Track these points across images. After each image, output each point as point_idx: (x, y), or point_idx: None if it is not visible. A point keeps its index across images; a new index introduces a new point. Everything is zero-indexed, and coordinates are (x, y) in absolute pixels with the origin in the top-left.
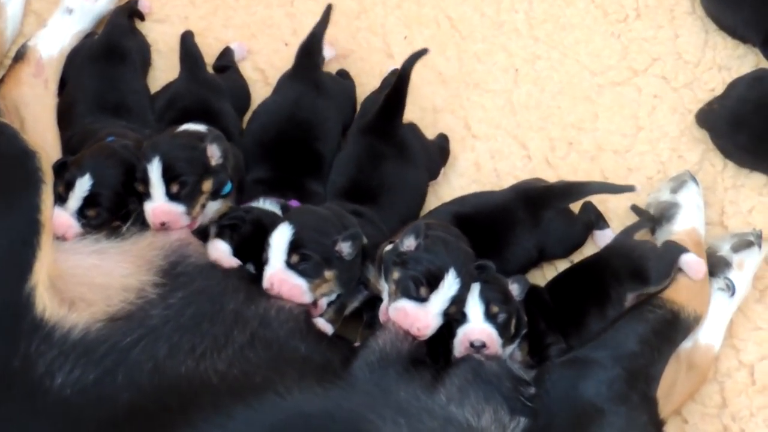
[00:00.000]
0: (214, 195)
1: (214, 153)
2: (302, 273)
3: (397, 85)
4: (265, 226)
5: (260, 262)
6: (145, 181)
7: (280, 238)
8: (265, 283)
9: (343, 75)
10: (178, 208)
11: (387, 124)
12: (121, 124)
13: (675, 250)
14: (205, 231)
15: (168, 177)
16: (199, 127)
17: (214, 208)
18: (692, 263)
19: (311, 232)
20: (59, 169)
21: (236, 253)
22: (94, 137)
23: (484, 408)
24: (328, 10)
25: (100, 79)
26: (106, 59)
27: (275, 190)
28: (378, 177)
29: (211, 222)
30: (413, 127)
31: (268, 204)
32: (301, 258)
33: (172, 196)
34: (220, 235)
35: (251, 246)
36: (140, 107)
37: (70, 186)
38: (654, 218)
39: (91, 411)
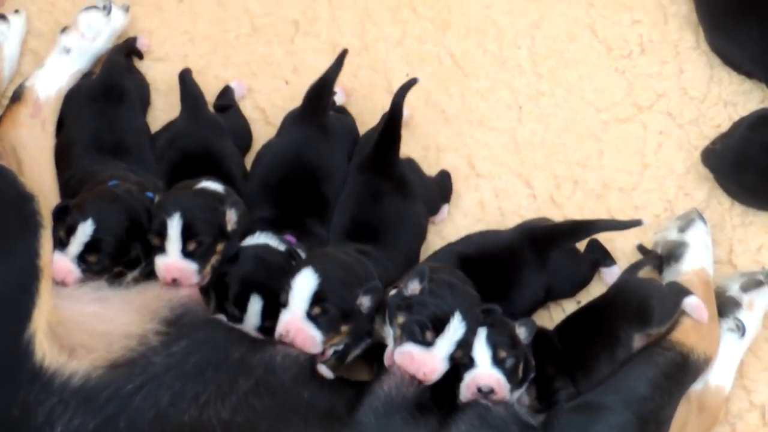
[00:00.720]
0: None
1: (231, 218)
2: (320, 326)
3: (390, 118)
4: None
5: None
6: (162, 235)
7: (305, 285)
8: (281, 328)
9: (341, 111)
10: (192, 266)
11: (384, 159)
12: (120, 166)
13: (680, 291)
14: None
15: (186, 235)
16: (218, 187)
17: None
18: (695, 306)
19: (336, 285)
20: (60, 213)
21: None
22: (94, 179)
23: None
24: (343, 54)
25: (98, 119)
26: (105, 99)
27: (277, 229)
28: (378, 214)
29: (209, 284)
30: (411, 162)
31: (263, 238)
32: (322, 311)
33: (187, 254)
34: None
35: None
36: (140, 147)
37: (71, 231)
38: (660, 257)
39: None
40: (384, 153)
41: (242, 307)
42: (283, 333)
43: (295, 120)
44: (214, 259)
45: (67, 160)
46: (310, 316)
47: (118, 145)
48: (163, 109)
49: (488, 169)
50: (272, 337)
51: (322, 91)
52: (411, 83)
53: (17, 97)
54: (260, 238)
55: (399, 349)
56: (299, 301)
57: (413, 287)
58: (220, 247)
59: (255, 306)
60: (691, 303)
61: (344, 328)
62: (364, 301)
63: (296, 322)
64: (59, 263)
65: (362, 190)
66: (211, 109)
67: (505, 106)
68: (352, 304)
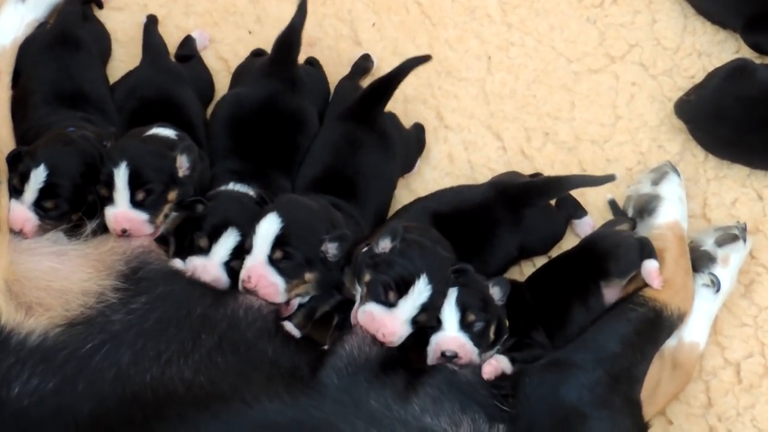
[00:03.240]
0: (177, 206)
1: (183, 164)
2: (282, 271)
3: (389, 77)
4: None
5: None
6: (110, 185)
7: (267, 229)
8: (244, 273)
9: (312, 63)
10: (142, 216)
11: (369, 111)
12: (79, 116)
13: (645, 249)
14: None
15: (134, 184)
16: (170, 133)
17: (173, 218)
18: (651, 271)
19: (300, 228)
20: (13, 160)
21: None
22: (51, 130)
23: (461, 418)
24: (304, 1)
25: (56, 69)
26: (61, 47)
27: (243, 181)
28: (355, 166)
29: (169, 232)
30: (393, 117)
31: (235, 187)
32: (284, 255)
33: (136, 204)
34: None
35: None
36: (99, 97)
37: (25, 177)
38: (631, 219)
39: (50, 423)
40: (369, 105)
41: (213, 240)
42: (245, 279)
43: (263, 71)
44: (166, 208)
45: (23, 111)
46: (273, 261)
47: (77, 95)
48: (123, 60)
49: (457, 121)
50: (234, 287)
51: (289, 42)
52: (424, 59)
53: None
54: (232, 188)
55: (362, 308)
56: (262, 245)
57: (384, 245)
58: (172, 195)
59: (229, 239)
60: (647, 266)
61: (308, 276)
62: (330, 249)
63: (258, 267)
64: (16, 212)
65: (340, 140)
66: (172, 59)
67: (474, 57)
68: (316, 250)
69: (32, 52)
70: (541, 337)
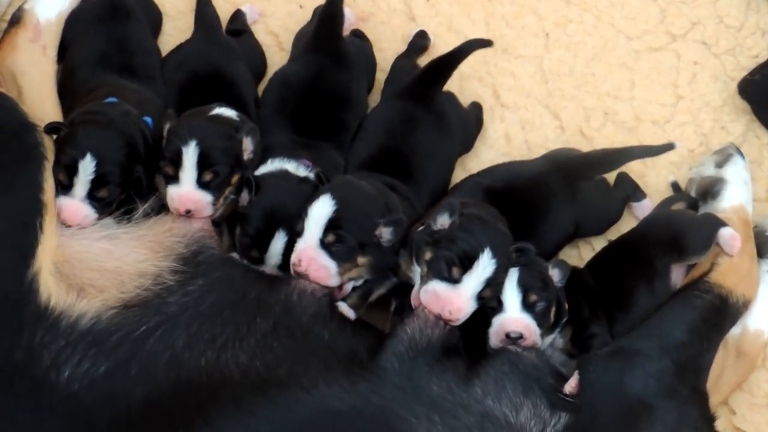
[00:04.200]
0: (237, 190)
1: (248, 146)
2: (334, 255)
3: (448, 57)
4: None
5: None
6: (176, 163)
7: (320, 212)
8: (294, 257)
9: (358, 35)
10: (207, 197)
11: (426, 90)
12: (122, 84)
13: (715, 221)
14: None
15: (202, 164)
16: (232, 114)
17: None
18: (729, 237)
19: (353, 212)
20: (51, 131)
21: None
22: (92, 95)
23: (522, 402)
24: None
25: (106, 41)
26: (112, 18)
27: (292, 154)
28: (410, 145)
29: (222, 217)
30: (451, 96)
31: (279, 163)
32: (336, 239)
33: (202, 184)
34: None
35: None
36: (148, 69)
37: (72, 170)
38: (693, 197)
39: (101, 408)
40: (427, 84)
41: (263, 246)
42: (296, 262)
43: (308, 46)
44: (228, 191)
45: (70, 86)
46: (324, 245)
47: (126, 67)
48: (172, 34)
49: (514, 100)
50: (290, 275)
51: (331, 15)
52: (485, 43)
53: (16, 20)
54: (276, 164)
55: (424, 287)
56: (314, 228)
57: (442, 221)
58: (235, 178)
59: (278, 244)
60: (725, 234)
61: (361, 260)
62: (385, 233)
63: (309, 251)
64: (71, 208)
65: (395, 118)
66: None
67: (531, 33)
68: (369, 235)
69: (81, 24)
70: (602, 325)
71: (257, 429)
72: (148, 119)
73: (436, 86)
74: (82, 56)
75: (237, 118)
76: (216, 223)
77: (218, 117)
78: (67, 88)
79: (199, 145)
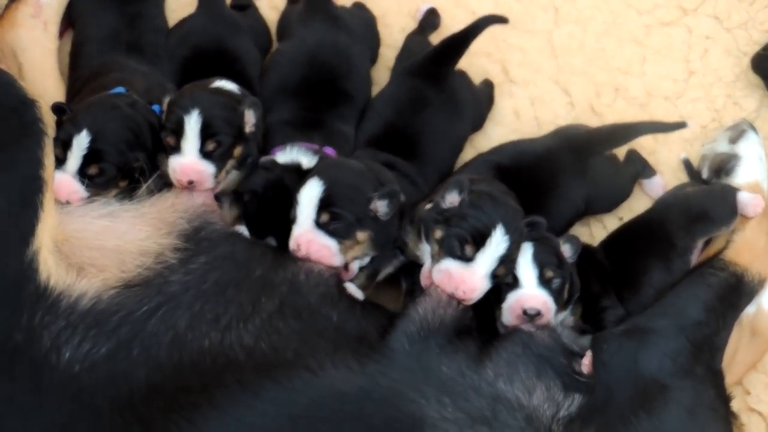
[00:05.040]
0: (239, 164)
1: (250, 119)
2: (332, 233)
3: (461, 35)
4: (288, 188)
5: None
6: (178, 133)
7: (309, 194)
8: (292, 243)
9: (360, 7)
10: (209, 168)
11: (438, 69)
12: (130, 66)
13: (730, 189)
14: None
15: (205, 133)
16: (233, 87)
17: (232, 177)
18: (749, 200)
19: (344, 189)
20: (56, 112)
21: (255, 224)
22: (99, 80)
23: (535, 384)
24: None
25: (120, 17)
26: None
27: (301, 131)
28: (418, 124)
29: (224, 192)
30: (463, 76)
31: (295, 152)
32: (331, 217)
33: (204, 154)
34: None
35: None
36: (155, 47)
37: (67, 145)
38: (705, 182)
39: (102, 390)
40: (439, 63)
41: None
42: (295, 248)
43: (301, 17)
44: (229, 164)
45: (76, 60)
46: (320, 225)
47: (134, 44)
48: (175, 9)
49: (523, 76)
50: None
51: None
52: (499, 19)
53: None
54: (293, 155)
55: (437, 267)
56: (306, 211)
57: (451, 199)
58: (237, 150)
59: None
60: (744, 198)
61: (361, 236)
62: (380, 206)
63: (306, 234)
64: (61, 182)
65: (404, 96)
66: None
67: (540, 8)
68: (364, 209)
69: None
70: (612, 298)
71: (263, 411)
72: (157, 107)
73: (449, 65)
74: (92, 31)
75: (238, 92)
76: (217, 198)
77: (219, 89)
78: (72, 63)
79: (201, 114)
